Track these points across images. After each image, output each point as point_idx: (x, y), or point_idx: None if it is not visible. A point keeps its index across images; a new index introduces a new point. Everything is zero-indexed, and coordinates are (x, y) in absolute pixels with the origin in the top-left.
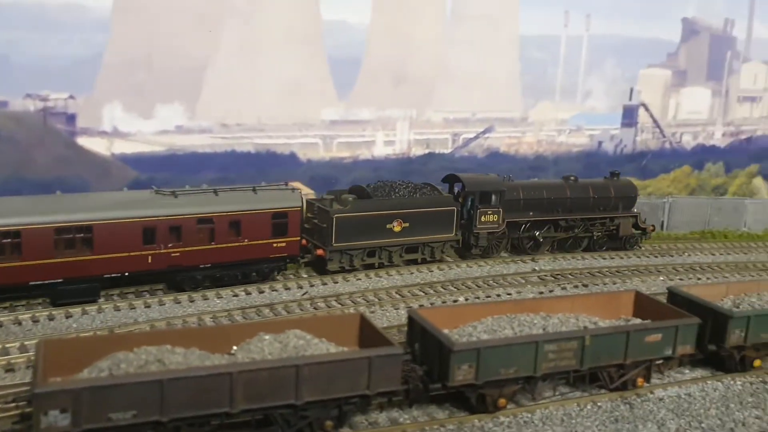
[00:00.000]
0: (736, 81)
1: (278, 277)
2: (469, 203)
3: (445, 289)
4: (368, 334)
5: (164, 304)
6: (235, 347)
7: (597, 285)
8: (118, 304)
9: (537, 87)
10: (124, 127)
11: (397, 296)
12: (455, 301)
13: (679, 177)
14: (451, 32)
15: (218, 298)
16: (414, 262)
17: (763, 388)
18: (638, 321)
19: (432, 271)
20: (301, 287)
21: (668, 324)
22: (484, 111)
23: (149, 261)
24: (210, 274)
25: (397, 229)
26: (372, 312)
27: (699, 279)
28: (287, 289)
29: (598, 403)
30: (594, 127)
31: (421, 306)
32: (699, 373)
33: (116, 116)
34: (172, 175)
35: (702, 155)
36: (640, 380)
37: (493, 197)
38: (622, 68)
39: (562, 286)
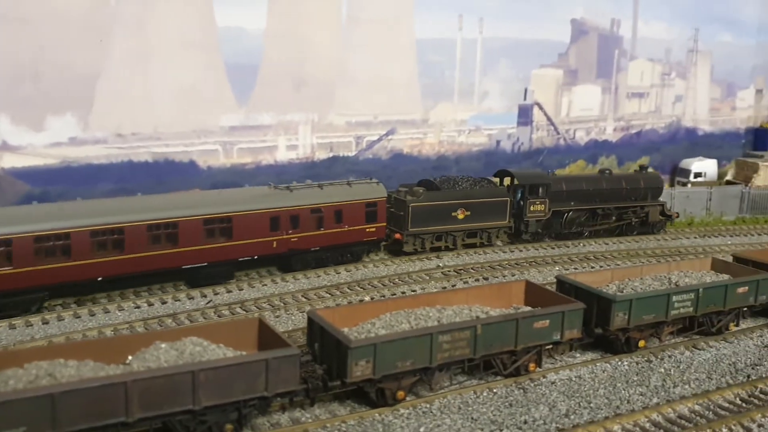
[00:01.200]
0: (624, 78)
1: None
2: (519, 195)
3: (351, 289)
4: (267, 337)
5: (63, 320)
6: (130, 357)
7: (497, 277)
8: (14, 322)
9: (436, 89)
10: (14, 140)
11: (303, 299)
12: (361, 300)
13: (575, 171)
14: (348, 36)
15: (119, 310)
16: (472, 245)
17: (647, 366)
18: (528, 309)
19: (339, 273)
20: (205, 296)
21: (555, 310)
22: (386, 113)
23: (274, 245)
24: (317, 256)
25: (460, 216)
26: (277, 316)
27: (592, 267)
28: (191, 298)
29: (494, 390)
30: (492, 127)
31: (326, 307)
32: (589, 356)
33: (4, 129)
34: (67, 188)
35: (595, 150)
36: (532, 365)
37: (540, 189)
38: (516, 69)
39: (464, 280)
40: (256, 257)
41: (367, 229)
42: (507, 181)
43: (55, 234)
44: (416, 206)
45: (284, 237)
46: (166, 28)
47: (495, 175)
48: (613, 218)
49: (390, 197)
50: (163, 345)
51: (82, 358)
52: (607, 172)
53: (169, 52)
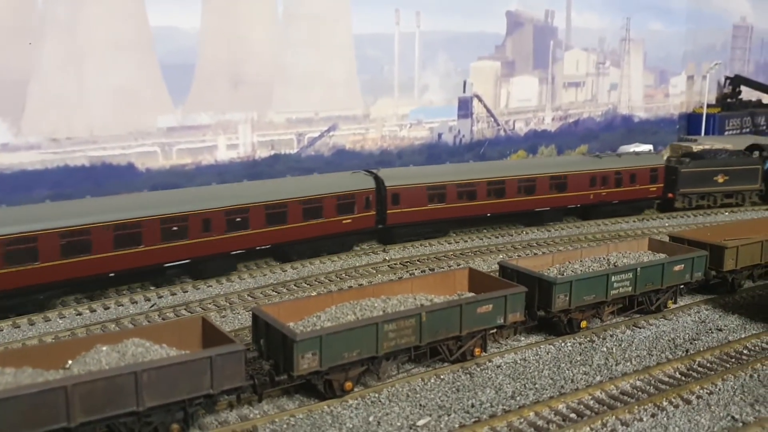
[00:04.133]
0: (560, 68)
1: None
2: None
3: (298, 287)
4: (211, 335)
5: (1, 330)
6: (70, 361)
7: (442, 267)
8: None
9: (375, 84)
10: None
11: (249, 298)
12: (308, 296)
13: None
14: (285, 33)
15: (61, 318)
16: (729, 204)
17: (590, 346)
18: (471, 295)
19: (285, 271)
20: (148, 300)
21: (497, 294)
22: (326, 110)
23: (591, 197)
24: (614, 208)
25: (720, 180)
26: (223, 317)
27: (536, 253)
28: (134, 303)
29: (441, 376)
30: (433, 120)
31: (271, 303)
32: (533, 339)
33: None
34: (1, 196)
35: (535, 140)
36: (477, 350)
37: None
38: (454, 62)
39: (410, 272)
40: (578, 206)
41: (650, 189)
42: (755, 153)
43: (437, 185)
44: (686, 172)
45: (597, 191)
46: (97, 29)
47: (745, 149)
48: None
49: None
50: (104, 348)
51: (19, 366)
52: None
53: (102, 54)
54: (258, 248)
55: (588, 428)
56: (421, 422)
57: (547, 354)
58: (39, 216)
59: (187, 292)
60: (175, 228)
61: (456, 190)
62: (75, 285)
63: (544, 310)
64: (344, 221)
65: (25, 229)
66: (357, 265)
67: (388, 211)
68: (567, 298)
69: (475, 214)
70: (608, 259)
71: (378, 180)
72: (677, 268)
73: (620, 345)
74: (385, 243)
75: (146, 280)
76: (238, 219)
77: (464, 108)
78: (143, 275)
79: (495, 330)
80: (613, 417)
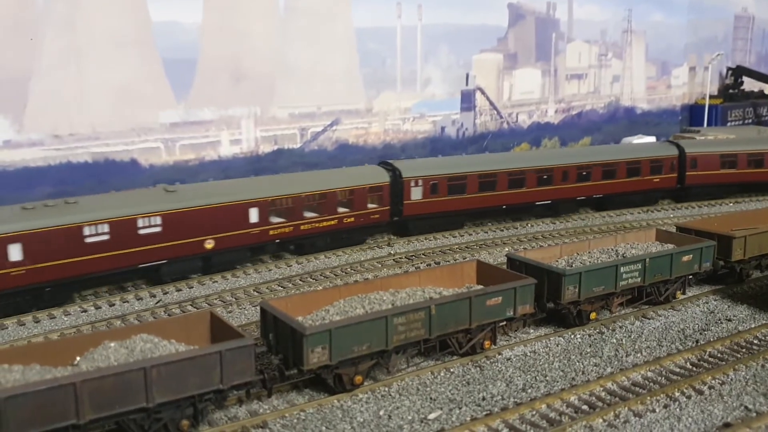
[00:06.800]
0: (562, 60)
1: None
2: None
3: (303, 281)
4: (220, 330)
5: (6, 328)
6: (78, 358)
7: (448, 261)
8: None
9: (378, 78)
10: None
11: (255, 293)
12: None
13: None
14: (287, 27)
15: (66, 315)
16: None
17: (600, 338)
18: (480, 287)
19: (291, 266)
20: (154, 296)
21: (507, 287)
22: (329, 104)
23: None
24: None
25: None
26: (230, 312)
27: (541, 245)
28: (139, 299)
29: (451, 369)
30: (436, 114)
31: (278, 297)
32: (543, 331)
33: None
34: (3, 194)
35: (538, 132)
36: (486, 343)
37: None
38: (457, 55)
39: (416, 265)
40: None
41: None
42: None
43: (729, 153)
44: None
45: None
46: (98, 25)
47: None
48: None
49: None
50: (112, 344)
51: (27, 363)
52: None
53: (104, 49)
54: (594, 196)
55: (601, 419)
56: (432, 416)
57: (557, 346)
58: (466, 163)
59: (192, 287)
60: (544, 177)
61: (746, 159)
62: (483, 214)
63: (554, 301)
64: (654, 180)
65: (459, 171)
66: (362, 259)
67: (687, 173)
68: (576, 290)
69: (764, 180)
70: (616, 250)
71: (680, 148)
72: (686, 258)
73: (630, 336)
74: (680, 202)
75: (519, 216)
76: (584, 173)
77: (467, 101)
78: (520, 210)
79: (504, 322)
80: (626, 408)
